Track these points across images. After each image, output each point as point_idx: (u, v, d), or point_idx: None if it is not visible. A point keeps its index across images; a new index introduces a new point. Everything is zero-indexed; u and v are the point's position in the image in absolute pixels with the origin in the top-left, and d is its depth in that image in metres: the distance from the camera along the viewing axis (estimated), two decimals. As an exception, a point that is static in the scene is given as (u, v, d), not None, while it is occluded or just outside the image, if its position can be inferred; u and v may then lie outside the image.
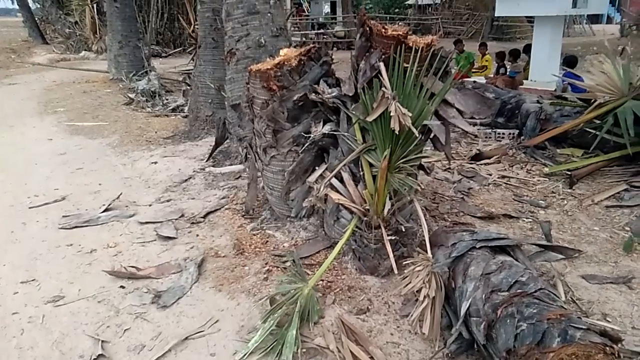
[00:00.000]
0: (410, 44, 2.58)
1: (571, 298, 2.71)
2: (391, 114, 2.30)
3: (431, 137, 2.96)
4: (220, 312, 2.70)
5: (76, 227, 3.75)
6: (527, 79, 7.90)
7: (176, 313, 2.71)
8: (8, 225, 3.79)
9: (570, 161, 4.52)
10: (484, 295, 2.16)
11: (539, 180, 4.32)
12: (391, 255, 2.68)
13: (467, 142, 5.52)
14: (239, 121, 4.61)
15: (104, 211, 3.98)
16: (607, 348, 1.69)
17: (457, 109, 2.81)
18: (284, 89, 3.10)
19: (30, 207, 4.12)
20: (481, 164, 4.77)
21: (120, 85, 9.78)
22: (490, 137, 5.51)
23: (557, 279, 2.81)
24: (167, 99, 8.58)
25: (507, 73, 8.50)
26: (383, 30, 2.63)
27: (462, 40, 10.19)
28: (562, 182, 4.23)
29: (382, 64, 2.54)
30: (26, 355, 2.39)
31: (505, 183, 4.31)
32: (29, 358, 2.38)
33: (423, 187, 4.08)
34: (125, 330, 2.57)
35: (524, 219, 3.63)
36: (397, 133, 2.46)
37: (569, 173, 4.19)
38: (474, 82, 6.46)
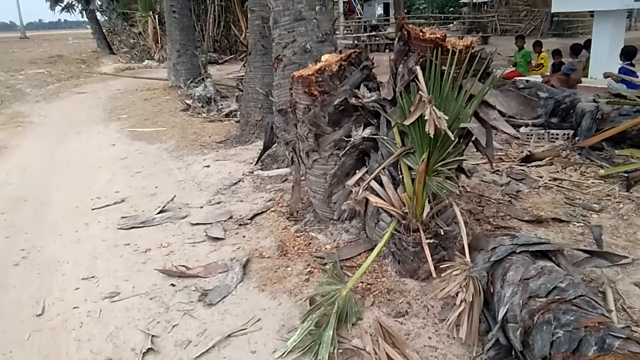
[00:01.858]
0: (449, 47, 2.57)
1: (621, 306, 2.60)
2: (425, 117, 2.31)
3: (473, 139, 2.93)
4: (263, 312, 2.79)
5: (133, 227, 3.99)
6: (587, 76, 7.55)
7: (221, 311, 2.83)
8: (73, 226, 4.08)
9: (628, 162, 4.30)
10: (521, 301, 2.12)
11: (593, 183, 4.14)
12: (429, 258, 2.68)
13: (518, 143, 5.36)
14: (285, 125, 4.74)
15: (158, 213, 4.20)
16: (648, 358, 1.62)
17: (499, 111, 2.77)
18: (325, 94, 3.17)
19: (92, 209, 4.41)
20: (532, 166, 4.63)
21: (179, 92, 10.22)
22: (543, 139, 5.32)
23: (607, 286, 2.70)
24: (221, 105, 8.89)
25: (562, 70, 8.15)
26: (421, 33, 2.63)
27: (524, 36, 9.87)
28: (618, 184, 4.04)
29: (418, 68, 2.55)
30: (83, 347, 2.58)
31: (557, 186, 4.17)
32: (86, 350, 2.56)
33: (468, 190, 4.04)
34: (173, 326, 2.72)
35: (575, 223, 3.50)
36: (433, 137, 2.46)
37: (627, 175, 3.99)
38: (527, 81, 6.26)
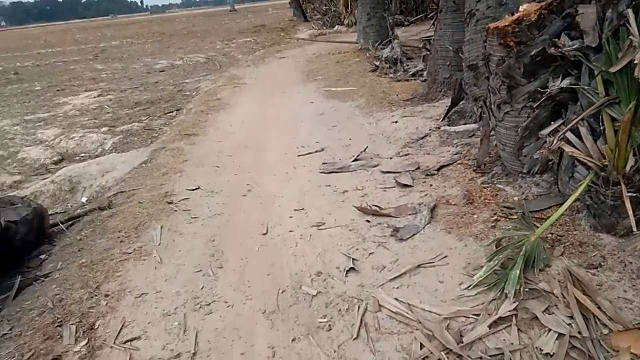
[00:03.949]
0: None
1: None
2: (635, 61, 2.22)
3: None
4: (449, 250, 3.04)
5: (332, 172, 4.54)
6: None
7: (411, 246, 3.16)
8: (283, 169, 4.82)
9: None
10: None
11: None
12: (631, 213, 2.59)
13: None
14: (474, 81, 4.76)
15: (353, 161, 4.69)
16: None
17: None
18: (521, 45, 3.16)
19: (298, 155, 5.11)
20: None
21: (367, 54, 10.67)
22: None
23: None
24: (407, 65, 9.06)
25: None
26: (636, -26, 2.47)
27: None
28: None
29: (630, 11, 2.42)
30: (299, 261, 3.17)
31: None
32: (301, 263, 3.14)
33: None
34: (370, 253, 3.14)
35: None
36: (644, 83, 2.34)
37: None
38: None
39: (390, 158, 4.72)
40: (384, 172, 4.37)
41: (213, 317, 2.69)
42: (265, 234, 3.56)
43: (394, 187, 4.07)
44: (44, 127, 8.06)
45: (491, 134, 3.88)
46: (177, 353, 2.44)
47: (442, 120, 5.44)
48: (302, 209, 3.87)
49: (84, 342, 2.55)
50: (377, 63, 9.38)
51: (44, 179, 5.59)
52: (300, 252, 3.27)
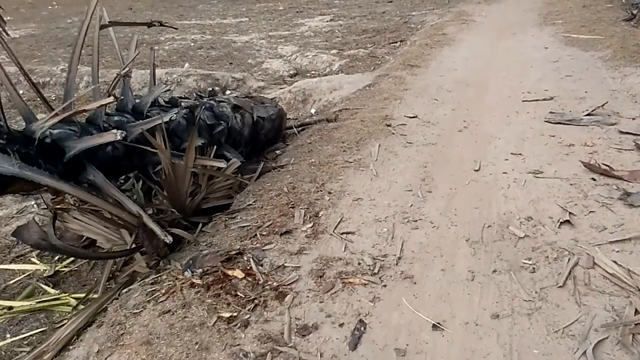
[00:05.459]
0: None
1: None
2: None
3: None
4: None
5: (559, 123, 4.23)
6: None
7: (642, 214, 2.87)
8: (504, 111, 4.65)
9: None
10: None
11: None
12: None
13: None
14: None
15: (586, 115, 4.28)
16: None
17: None
18: None
19: (523, 101, 4.85)
20: None
21: (623, 1, 9.18)
22: None
23: None
24: (677, 16, 7.57)
25: None
26: None
27: None
28: None
29: None
30: (509, 202, 3.13)
31: None
32: (511, 204, 3.10)
33: None
34: (590, 211, 2.94)
35: None
36: None
37: None
38: None
39: (633, 119, 4.18)
40: (622, 133, 3.92)
41: (418, 233, 2.90)
42: (477, 170, 3.58)
43: (632, 149, 3.64)
44: (283, 44, 9.03)
45: None
46: (384, 253, 2.73)
47: None
48: (520, 154, 3.75)
49: (309, 225, 3.01)
50: (635, 12, 8.03)
51: (282, 88, 6.38)
52: (511, 194, 3.23)
